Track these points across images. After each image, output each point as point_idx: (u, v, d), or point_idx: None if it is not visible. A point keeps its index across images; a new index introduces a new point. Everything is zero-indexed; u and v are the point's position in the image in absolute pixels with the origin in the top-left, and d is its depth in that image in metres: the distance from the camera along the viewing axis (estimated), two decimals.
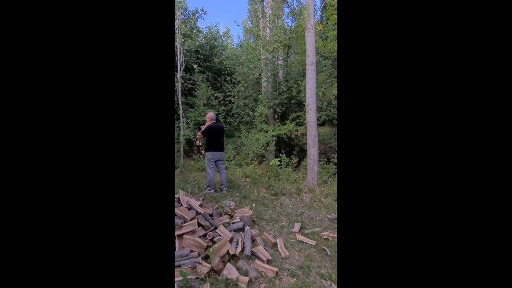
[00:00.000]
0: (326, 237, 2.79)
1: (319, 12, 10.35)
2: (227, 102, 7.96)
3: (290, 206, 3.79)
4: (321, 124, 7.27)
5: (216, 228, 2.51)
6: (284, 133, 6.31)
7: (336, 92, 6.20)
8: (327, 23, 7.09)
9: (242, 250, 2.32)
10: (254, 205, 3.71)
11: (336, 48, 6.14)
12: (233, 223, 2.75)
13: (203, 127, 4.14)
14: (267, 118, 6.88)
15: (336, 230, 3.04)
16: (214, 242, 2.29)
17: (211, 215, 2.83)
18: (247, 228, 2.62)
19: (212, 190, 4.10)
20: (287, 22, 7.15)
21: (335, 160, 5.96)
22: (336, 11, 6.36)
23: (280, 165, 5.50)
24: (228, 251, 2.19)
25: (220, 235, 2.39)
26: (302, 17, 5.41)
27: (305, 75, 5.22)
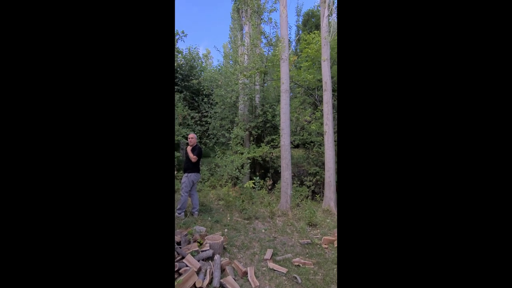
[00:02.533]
0: (297, 263, 2.77)
1: (294, 44, 11.27)
2: (204, 123, 7.94)
3: (263, 231, 3.74)
4: (295, 146, 7.54)
5: (183, 257, 2.37)
6: (259, 156, 6.40)
7: (308, 117, 6.58)
8: (301, 54, 7.71)
9: (210, 282, 2.20)
10: (226, 230, 3.60)
11: (308, 78, 6.64)
12: (202, 251, 2.61)
13: (189, 148, 4.00)
14: (243, 140, 6.96)
15: (307, 256, 3.05)
16: (180, 274, 2.14)
17: (178, 243, 2.67)
18: (216, 257, 2.51)
19: (182, 214, 3.90)
20: (265, 50, 7.62)
21: (308, 183, 6.14)
22: (308, 45, 6.98)
23: (254, 187, 5.49)
24: (194, 283, 2.06)
25: (187, 266, 2.25)
26: (277, 48, 5.84)
27: (280, 101, 5.50)
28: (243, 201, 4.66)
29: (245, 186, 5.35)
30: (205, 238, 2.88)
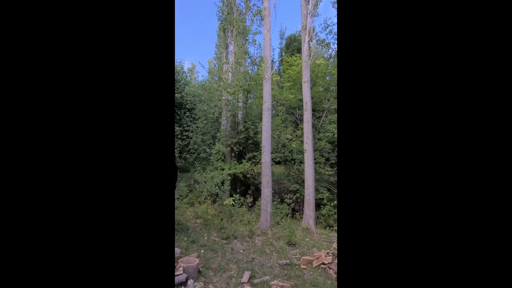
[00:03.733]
0: (275, 286, 2.69)
1: (277, 64, 11.77)
2: (185, 137, 7.79)
3: (241, 251, 3.63)
4: (276, 162, 7.61)
5: None
6: (240, 172, 6.35)
7: (289, 135, 6.74)
8: (283, 75, 8.05)
9: None
10: (202, 251, 3.43)
11: (290, 97, 6.90)
12: (174, 276, 2.45)
13: None
14: (224, 156, 6.89)
15: (285, 278, 2.98)
16: None
17: None
18: (190, 282, 2.37)
19: None
20: (249, 68, 7.84)
21: (288, 200, 6.15)
22: (290, 67, 7.33)
23: (234, 205, 5.38)
24: None
25: None
26: (261, 68, 6.05)
27: (262, 118, 5.60)
28: (221, 219, 4.52)
29: (224, 203, 5.22)
30: (179, 261, 2.72)
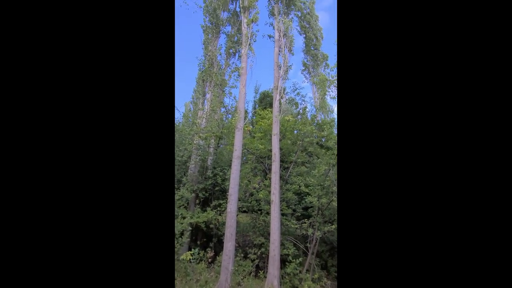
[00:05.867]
0: None
1: (250, 114, 12.51)
2: None
3: None
4: (243, 211, 7.29)
5: None
6: (203, 221, 5.90)
7: (257, 184, 6.73)
8: (255, 126, 8.51)
9: None
10: None
11: (260, 147, 7.15)
12: None
13: None
14: (188, 203, 6.45)
15: None
16: None
17: None
18: None
19: None
20: (224, 117, 8.15)
21: (252, 256, 5.71)
22: (262, 119, 7.83)
23: (192, 261, 4.79)
24: None
25: None
26: (234, 118, 6.35)
27: (231, 165, 5.59)
28: (174, 279, 3.93)
29: (181, 258, 4.62)
30: None
